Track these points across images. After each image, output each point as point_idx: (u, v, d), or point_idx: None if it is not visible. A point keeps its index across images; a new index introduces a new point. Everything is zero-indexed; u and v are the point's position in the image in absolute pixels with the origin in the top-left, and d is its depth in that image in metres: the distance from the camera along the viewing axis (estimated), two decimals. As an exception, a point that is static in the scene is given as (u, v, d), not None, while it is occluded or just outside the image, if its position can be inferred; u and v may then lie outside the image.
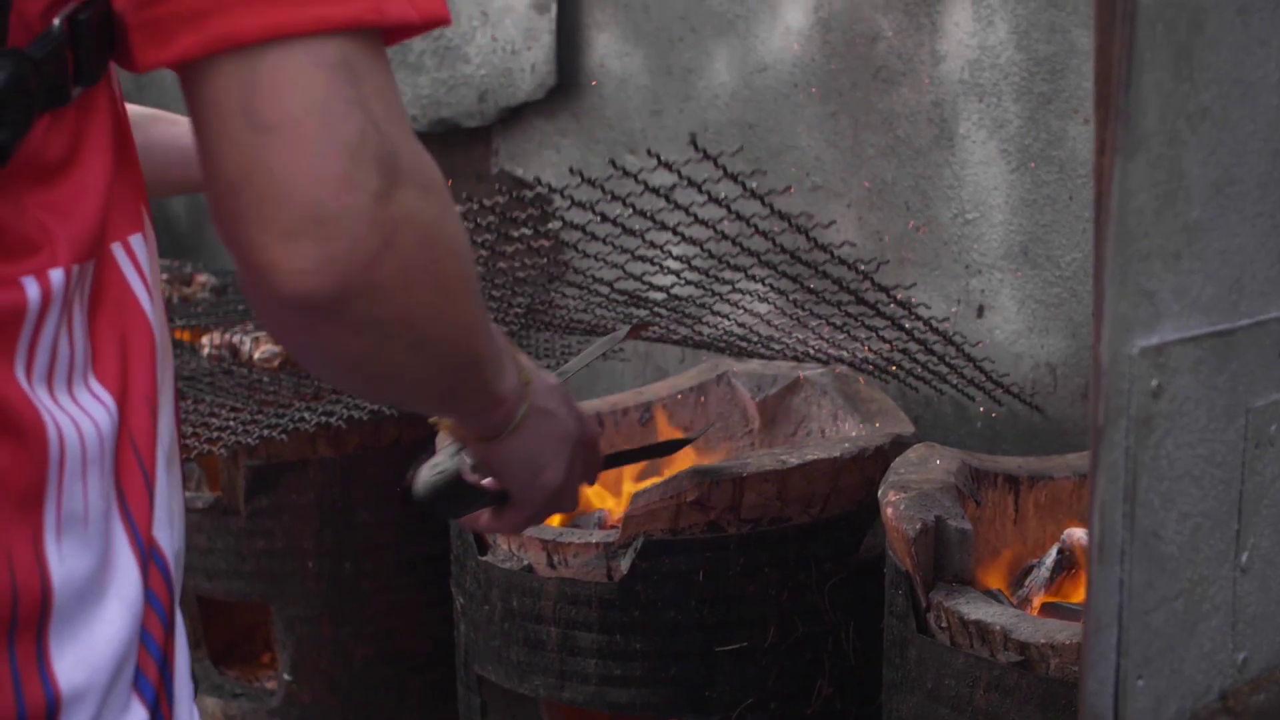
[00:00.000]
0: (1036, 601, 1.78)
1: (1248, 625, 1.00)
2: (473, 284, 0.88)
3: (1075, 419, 2.28)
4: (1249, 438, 0.96)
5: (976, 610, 1.62)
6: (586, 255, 1.98)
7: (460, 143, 2.99)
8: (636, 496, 1.90)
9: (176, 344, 2.73)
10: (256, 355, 2.51)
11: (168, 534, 0.85)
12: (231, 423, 2.19)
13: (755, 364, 2.39)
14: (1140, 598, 0.89)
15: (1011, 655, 1.57)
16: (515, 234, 2.02)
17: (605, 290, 2.50)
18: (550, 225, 1.90)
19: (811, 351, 2.22)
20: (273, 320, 0.84)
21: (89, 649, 0.78)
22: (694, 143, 1.78)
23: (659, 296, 2.52)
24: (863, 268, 1.86)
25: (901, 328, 2.00)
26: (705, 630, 1.91)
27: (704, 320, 2.59)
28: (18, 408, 0.75)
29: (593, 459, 1.21)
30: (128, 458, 0.82)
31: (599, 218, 1.85)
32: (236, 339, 2.56)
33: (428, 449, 1.21)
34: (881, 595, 1.82)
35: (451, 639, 2.20)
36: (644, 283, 2.05)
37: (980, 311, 2.36)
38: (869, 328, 2.04)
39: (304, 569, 2.38)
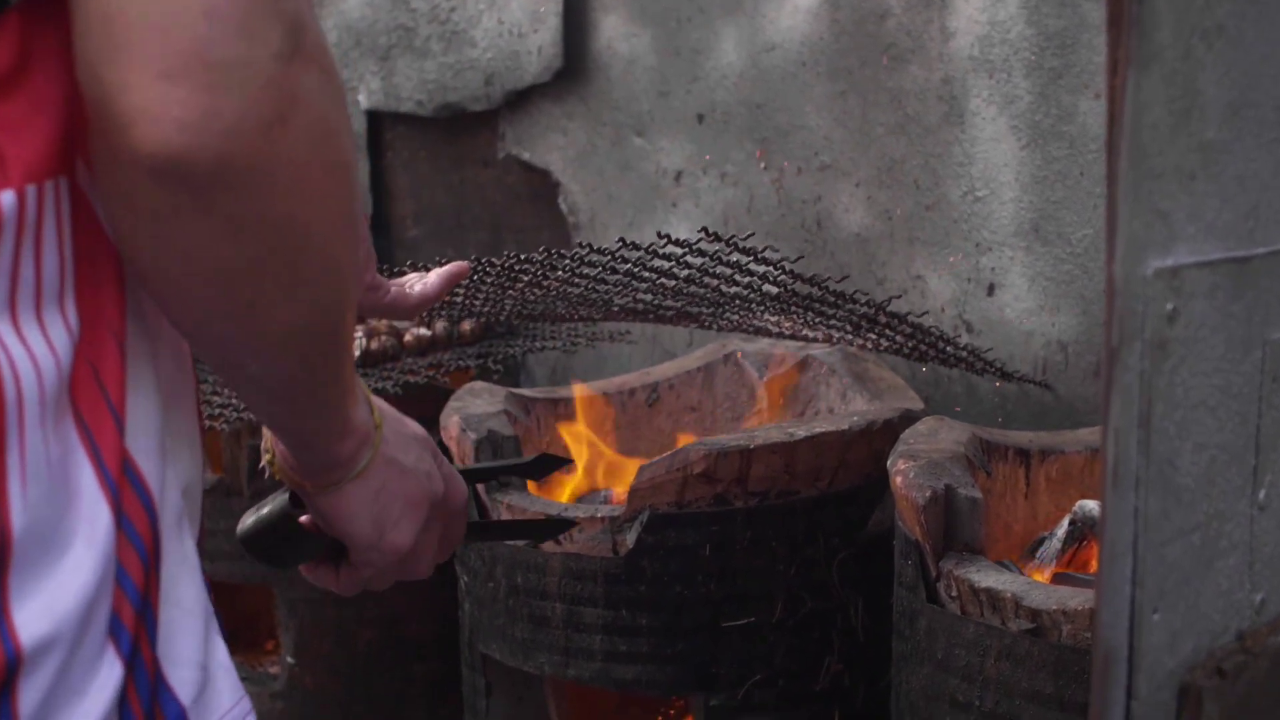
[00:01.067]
0: (1048, 572, 1.75)
1: (1265, 566, 0.97)
2: (355, 223, 0.77)
3: (1087, 397, 2.25)
4: (1266, 371, 0.94)
5: (987, 578, 1.60)
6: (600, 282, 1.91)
7: (467, 127, 2.98)
8: (642, 469, 1.88)
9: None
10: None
11: (155, 463, 0.80)
12: (234, 399, 2.17)
13: (763, 343, 2.37)
14: (1156, 528, 0.87)
15: (1023, 623, 1.55)
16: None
17: (615, 308, 2.47)
18: (558, 273, 1.84)
19: (820, 339, 2.20)
20: (122, 196, 0.71)
21: (54, 598, 0.72)
22: (705, 230, 1.76)
23: (667, 312, 2.49)
24: (877, 302, 1.85)
25: (912, 336, 1.98)
26: (712, 605, 1.89)
27: (711, 323, 2.57)
28: None
29: (454, 529, 1.03)
30: (90, 388, 0.76)
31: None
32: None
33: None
34: (890, 572, 1.79)
35: (457, 622, 2.18)
36: (651, 306, 2.02)
37: (991, 290, 2.33)
38: (877, 335, 2.02)
39: (308, 550, 2.35)
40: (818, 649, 1.93)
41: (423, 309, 1.22)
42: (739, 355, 2.36)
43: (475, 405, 2.12)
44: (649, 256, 1.77)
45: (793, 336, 2.23)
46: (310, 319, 0.78)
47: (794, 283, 1.81)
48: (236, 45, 0.66)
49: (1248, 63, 0.88)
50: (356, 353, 2.39)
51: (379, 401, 0.93)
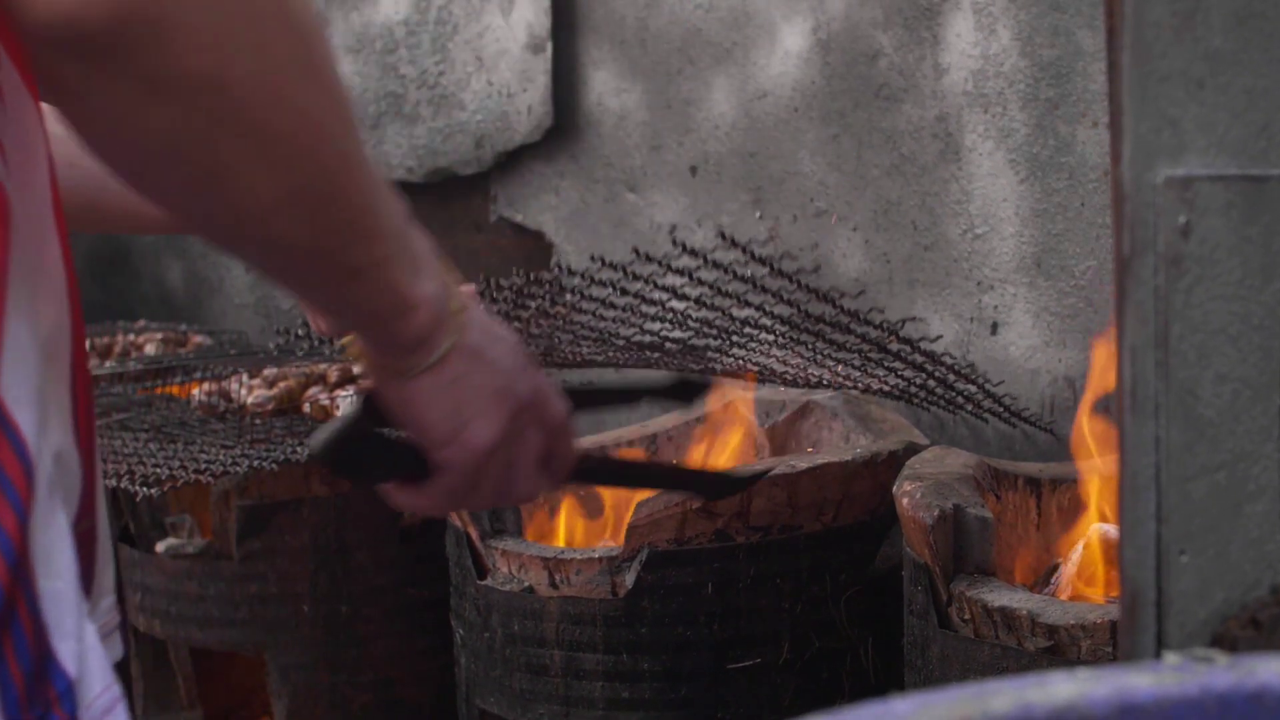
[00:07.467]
0: (1063, 597, 1.68)
1: (1297, 517, 0.91)
2: (324, 76, 0.71)
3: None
4: (1288, 304, 0.88)
5: (1001, 597, 1.53)
6: (602, 317, 1.88)
7: (458, 191, 2.95)
8: (640, 505, 1.82)
9: (169, 397, 2.66)
10: (249, 400, 2.44)
11: (32, 416, 0.71)
12: (221, 456, 2.11)
13: (763, 391, 2.32)
14: (1179, 462, 0.81)
15: (1040, 641, 1.48)
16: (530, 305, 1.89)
17: (620, 342, 2.40)
18: (566, 299, 1.81)
19: (825, 382, 2.15)
20: (45, 82, 0.67)
21: None
22: (722, 234, 1.73)
23: (673, 347, 2.43)
24: (891, 325, 1.81)
25: (922, 368, 1.93)
26: (716, 647, 1.81)
27: (717, 362, 2.51)
28: None
29: (561, 448, 0.95)
30: None
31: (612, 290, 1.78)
32: (229, 385, 2.50)
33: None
34: (900, 609, 1.72)
35: (452, 682, 2.10)
36: (659, 339, 1.98)
37: (994, 328, 2.28)
38: (888, 367, 1.97)
39: (299, 614, 2.28)
40: (828, 692, 1.85)
41: None
42: (738, 403, 2.30)
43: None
44: (662, 272, 1.74)
45: (794, 381, 2.17)
46: (298, 181, 0.72)
47: (807, 301, 1.77)
48: None
49: (1253, -30, 0.84)
50: (338, 411, 2.34)
51: (467, 292, 0.88)
